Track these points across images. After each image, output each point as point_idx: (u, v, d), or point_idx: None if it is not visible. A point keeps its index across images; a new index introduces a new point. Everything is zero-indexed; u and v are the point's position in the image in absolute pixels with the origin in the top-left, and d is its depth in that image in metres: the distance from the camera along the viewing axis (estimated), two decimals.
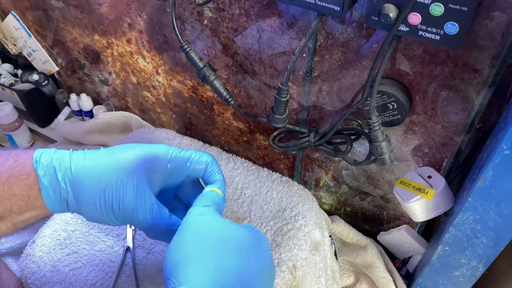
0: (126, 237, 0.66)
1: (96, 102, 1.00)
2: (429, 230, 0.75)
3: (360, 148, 0.67)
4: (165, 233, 0.46)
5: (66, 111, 1.03)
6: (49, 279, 0.61)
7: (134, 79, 0.87)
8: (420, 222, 0.72)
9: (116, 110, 0.98)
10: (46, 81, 0.98)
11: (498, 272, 0.60)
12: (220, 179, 0.50)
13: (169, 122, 0.91)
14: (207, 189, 0.48)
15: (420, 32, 0.44)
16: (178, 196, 0.54)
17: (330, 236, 0.75)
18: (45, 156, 0.44)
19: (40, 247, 0.64)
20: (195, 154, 0.49)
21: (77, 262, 0.63)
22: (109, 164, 0.44)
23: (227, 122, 0.80)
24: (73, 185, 0.43)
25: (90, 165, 0.44)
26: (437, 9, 0.41)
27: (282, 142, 0.70)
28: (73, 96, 0.98)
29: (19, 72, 1.04)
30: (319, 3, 0.47)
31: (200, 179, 0.52)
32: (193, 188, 0.53)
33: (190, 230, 0.42)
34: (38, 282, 0.62)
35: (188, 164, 0.49)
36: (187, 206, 0.53)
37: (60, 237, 0.65)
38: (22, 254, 0.66)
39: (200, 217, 0.44)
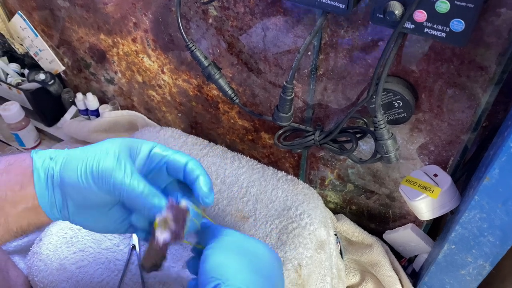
0: (132, 235, 0.66)
1: (102, 101, 1.00)
2: (435, 229, 0.74)
3: (366, 146, 0.67)
4: (141, 197, 0.43)
5: (72, 110, 1.03)
6: (56, 277, 0.62)
7: (139, 78, 0.87)
8: (426, 220, 0.72)
9: (122, 109, 0.98)
10: (52, 81, 0.99)
11: (505, 271, 0.60)
12: (201, 172, 0.47)
13: (174, 121, 0.91)
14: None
15: (426, 30, 0.43)
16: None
17: (335, 234, 0.75)
18: (44, 150, 0.46)
19: (47, 245, 0.65)
20: (177, 151, 0.49)
21: (83, 260, 0.63)
22: (96, 144, 0.46)
23: (232, 121, 0.80)
24: (62, 163, 0.44)
25: (78, 150, 0.46)
26: (443, 6, 0.41)
27: (287, 141, 0.70)
28: (79, 95, 0.99)
29: (26, 71, 1.05)
30: (324, 1, 0.47)
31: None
32: (179, 187, 0.51)
33: (227, 242, 0.45)
34: (45, 280, 0.62)
35: (169, 154, 0.48)
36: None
37: (67, 235, 0.66)
38: (29, 252, 0.66)
39: (231, 234, 0.46)
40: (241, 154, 0.79)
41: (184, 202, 0.44)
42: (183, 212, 0.43)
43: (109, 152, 0.44)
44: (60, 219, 0.46)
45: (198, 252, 0.48)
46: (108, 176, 0.43)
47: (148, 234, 0.49)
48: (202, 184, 0.46)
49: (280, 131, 0.69)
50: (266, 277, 0.44)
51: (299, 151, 0.71)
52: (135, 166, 0.47)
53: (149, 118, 0.95)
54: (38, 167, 0.44)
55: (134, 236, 0.66)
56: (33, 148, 1.03)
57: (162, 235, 0.42)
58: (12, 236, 0.44)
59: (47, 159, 0.45)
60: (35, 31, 0.94)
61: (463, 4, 0.40)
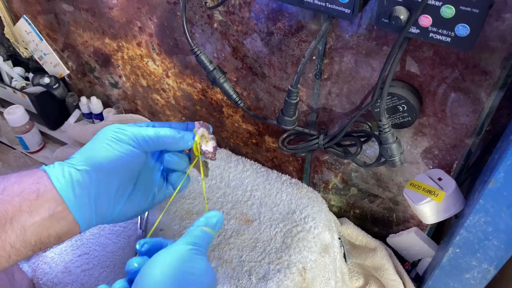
0: (136, 239, 0.66)
1: (106, 105, 1.01)
2: (439, 233, 0.75)
3: (370, 150, 0.67)
4: (177, 138, 0.51)
5: (76, 113, 1.04)
6: (60, 280, 0.62)
7: (144, 82, 0.87)
8: (430, 224, 0.72)
9: (126, 113, 0.98)
10: (57, 84, 0.99)
11: (509, 275, 0.60)
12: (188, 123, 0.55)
13: None
14: (196, 226, 0.47)
15: (431, 34, 0.44)
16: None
17: (339, 238, 0.75)
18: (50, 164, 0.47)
19: (52, 248, 0.65)
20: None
21: (88, 263, 0.63)
22: (97, 134, 0.50)
23: (236, 125, 0.81)
24: (78, 160, 0.46)
25: (84, 147, 0.49)
26: (448, 11, 0.41)
27: (292, 144, 0.70)
28: (83, 99, 0.99)
29: (30, 75, 1.05)
30: (329, 5, 0.47)
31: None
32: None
33: (161, 265, 0.41)
34: (50, 282, 0.62)
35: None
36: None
37: (72, 238, 0.66)
38: (34, 255, 0.66)
39: (175, 255, 0.42)
40: (245, 158, 0.79)
41: (200, 121, 0.54)
42: (207, 124, 0.54)
43: (122, 124, 0.49)
44: (92, 223, 0.46)
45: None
46: (139, 133, 0.48)
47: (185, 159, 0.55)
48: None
49: (284, 135, 0.70)
50: None
51: (303, 154, 0.71)
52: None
53: None
54: (55, 174, 0.44)
55: (139, 235, 0.66)
56: (37, 151, 1.03)
57: (209, 145, 0.53)
58: (30, 250, 0.42)
59: (58, 166, 0.45)
60: (40, 35, 0.94)
61: (468, 9, 0.40)
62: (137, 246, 0.46)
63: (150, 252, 0.45)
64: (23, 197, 0.41)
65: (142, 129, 0.49)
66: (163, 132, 0.50)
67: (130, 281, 0.43)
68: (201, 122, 0.54)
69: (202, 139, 0.52)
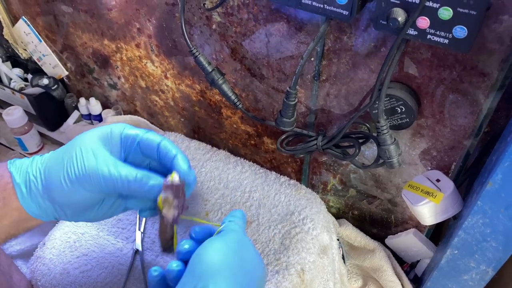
0: (135, 240, 0.66)
1: (105, 106, 1.01)
2: (438, 234, 0.75)
3: (368, 151, 0.67)
4: (137, 182, 0.44)
5: (75, 115, 1.04)
6: (59, 281, 0.62)
7: (142, 83, 0.87)
8: (429, 225, 0.72)
9: (124, 114, 0.98)
10: (55, 85, 0.99)
11: (507, 276, 0.60)
12: (177, 152, 0.47)
13: (177, 125, 0.92)
14: (231, 219, 0.48)
15: (429, 36, 0.44)
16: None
17: (337, 239, 0.75)
18: (19, 160, 0.46)
19: (50, 249, 0.65)
20: (148, 131, 0.49)
21: (87, 264, 0.63)
22: (68, 144, 0.46)
23: (235, 126, 0.81)
24: (41, 174, 0.45)
25: (52, 153, 0.47)
26: (446, 13, 0.41)
27: (290, 146, 0.70)
28: (82, 100, 0.99)
29: (29, 76, 1.05)
30: (327, 7, 0.48)
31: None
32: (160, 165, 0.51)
33: (232, 244, 0.43)
34: (49, 284, 0.62)
35: (140, 134, 0.48)
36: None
37: (70, 240, 0.66)
38: (32, 257, 0.66)
39: (240, 238, 0.44)
40: (243, 159, 0.79)
41: (176, 177, 0.45)
42: (180, 186, 0.45)
43: (85, 151, 0.44)
44: (58, 219, 0.48)
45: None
46: (95, 175, 0.43)
47: (150, 211, 0.50)
48: (181, 163, 0.47)
49: (283, 136, 0.70)
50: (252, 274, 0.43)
51: (301, 156, 0.71)
52: (113, 154, 0.47)
53: (152, 123, 0.95)
54: (19, 182, 0.44)
55: (138, 240, 0.66)
56: (36, 153, 1.03)
57: (169, 213, 0.45)
58: (2, 242, 0.45)
59: (24, 172, 0.45)
60: (39, 36, 0.94)
61: (466, 11, 0.40)
62: (192, 234, 0.46)
63: (200, 237, 0.46)
64: None
65: (101, 166, 0.43)
66: (125, 176, 0.44)
67: (181, 261, 0.44)
68: (173, 182, 0.45)
69: (165, 203, 0.45)
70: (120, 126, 0.48)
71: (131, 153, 0.48)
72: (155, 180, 0.45)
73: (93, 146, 0.44)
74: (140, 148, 0.48)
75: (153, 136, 0.48)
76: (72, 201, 0.45)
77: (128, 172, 0.44)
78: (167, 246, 0.46)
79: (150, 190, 0.45)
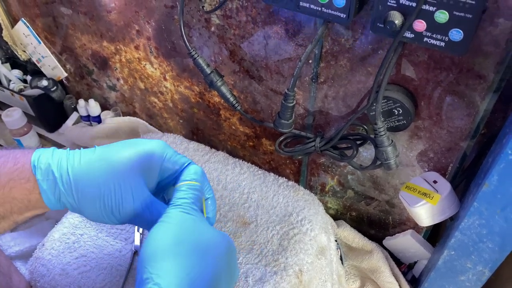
0: (134, 241, 0.66)
1: (104, 107, 1.01)
2: (435, 235, 0.75)
3: (366, 153, 0.68)
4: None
5: (74, 116, 1.04)
6: (58, 282, 0.62)
7: (141, 85, 0.88)
8: (426, 227, 0.72)
9: (123, 116, 0.99)
10: (55, 87, 1.00)
11: (504, 277, 0.60)
12: (209, 196, 0.50)
13: (176, 127, 0.92)
14: (180, 186, 0.47)
15: (425, 39, 0.44)
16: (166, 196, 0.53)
17: (335, 240, 0.76)
18: (43, 159, 0.44)
19: (49, 250, 0.65)
20: (188, 164, 0.49)
21: (85, 265, 0.63)
22: (105, 168, 0.44)
23: (233, 127, 0.81)
24: (73, 190, 0.44)
25: (86, 170, 0.44)
26: (442, 16, 0.42)
27: (288, 147, 0.70)
28: (81, 102, 0.99)
29: (28, 78, 1.05)
30: (325, 10, 0.48)
31: None
32: None
33: (173, 225, 0.42)
34: (48, 285, 0.62)
35: (179, 170, 0.48)
36: None
37: (69, 241, 0.66)
38: (31, 258, 0.67)
39: (185, 215, 0.43)
40: (242, 160, 0.79)
41: None
42: None
43: (125, 190, 0.44)
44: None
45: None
46: (130, 216, 0.45)
47: None
48: (209, 208, 0.50)
49: (281, 138, 0.70)
50: (213, 273, 0.41)
51: (300, 157, 0.71)
52: (150, 186, 0.47)
53: (151, 125, 0.95)
54: (46, 190, 0.43)
55: (136, 241, 0.66)
56: None
57: None
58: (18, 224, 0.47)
59: (51, 181, 0.43)
60: (38, 38, 0.95)
61: (462, 14, 0.41)
62: None
63: None
64: (15, 203, 0.44)
65: (138, 210, 0.45)
66: (150, 221, 0.45)
67: None
68: None
69: None
70: (160, 154, 0.48)
71: (164, 180, 0.49)
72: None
73: (133, 189, 0.44)
74: (175, 181, 0.49)
75: (189, 174, 0.48)
76: (103, 221, 0.46)
77: (155, 216, 0.45)
78: None
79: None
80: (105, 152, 0.46)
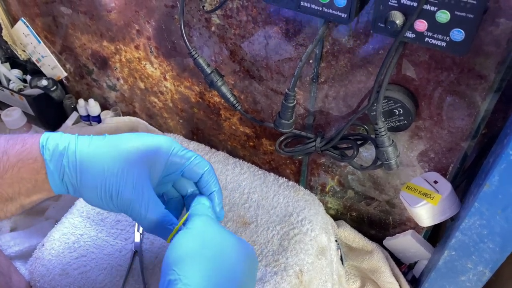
0: (134, 241, 0.66)
1: (103, 107, 1.01)
2: (435, 235, 0.75)
3: (366, 153, 0.68)
4: (158, 227, 0.47)
5: (74, 116, 1.04)
6: (58, 282, 0.62)
7: (141, 85, 0.88)
8: (426, 227, 0.72)
9: (123, 115, 0.98)
10: (54, 87, 0.99)
11: (504, 277, 0.60)
12: (216, 189, 0.52)
13: (176, 127, 0.92)
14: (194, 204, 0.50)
15: (426, 39, 0.44)
16: (175, 187, 0.55)
17: (336, 241, 0.76)
18: (51, 141, 0.45)
19: (49, 250, 0.65)
20: (195, 157, 0.51)
21: (85, 265, 0.63)
22: (112, 154, 0.46)
23: (233, 127, 0.81)
24: (77, 170, 0.45)
25: (93, 153, 0.46)
26: (443, 16, 0.42)
27: (289, 147, 0.70)
28: (81, 101, 0.99)
29: (28, 77, 1.05)
30: (326, 10, 0.48)
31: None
32: (189, 182, 0.54)
33: (196, 231, 0.45)
34: (48, 285, 0.62)
35: (186, 163, 0.50)
36: (183, 197, 0.54)
37: (69, 241, 0.66)
38: (31, 258, 0.66)
39: (205, 223, 0.46)
40: (242, 160, 0.79)
41: None
42: None
43: (128, 177, 0.45)
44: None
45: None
46: (127, 205, 0.46)
47: None
48: (216, 203, 0.51)
49: (282, 138, 0.70)
50: (234, 273, 0.43)
51: (300, 157, 0.71)
52: (154, 180, 0.49)
53: (151, 124, 0.95)
54: (52, 170, 0.45)
55: (136, 240, 0.66)
56: None
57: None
58: (24, 210, 0.48)
59: (58, 162, 0.45)
60: (38, 37, 0.94)
61: (463, 14, 0.41)
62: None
63: None
64: (23, 184, 0.45)
65: (135, 202, 0.46)
66: (150, 219, 0.47)
67: None
68: None
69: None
70: (166, 149, 0.49)
71: (170, 175, 0.51)
72: (172, 227, 0.47)
73: (136, 177, 0.46)
74: (182, 173, 0.51)
75: (197, 168, 0.50)
76: (99, 205, 0.47)
77: (155, 216, 0.46)
78: None
79: (165, 233, 0.47)
80: (114, 139, 0.48)
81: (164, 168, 0.49)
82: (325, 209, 0.76)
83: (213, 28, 0.67)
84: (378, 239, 0.79)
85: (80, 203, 0.71)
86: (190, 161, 0.50)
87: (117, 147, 0.47)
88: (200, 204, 0.49)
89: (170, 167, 0.50)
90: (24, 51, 1.00)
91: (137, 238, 0.66)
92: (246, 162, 0.79)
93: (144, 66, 0.83)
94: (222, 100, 0.77)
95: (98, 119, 0.99)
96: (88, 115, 1.00)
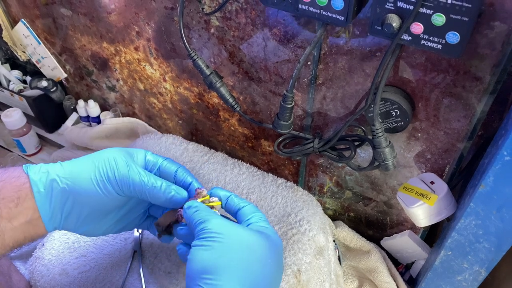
0: (133, 240, 0.67)
1: (103, 108, 1.01)
2: (432, 236, 0.75)
3: (364, 154, 0.68)
4: (165, 191, 0.49)
5: (73, 117, 1.04)
6: (58, 282, 0.62)
7: (141, 86, 0.88)
8: (423, 227, 0.73)
9: (123, 116, 0.99)
10: (54, 88, 1.00)
11: (500, 277, 0.61)
12: (192, 181, 0.52)
13: (175, 128, 0.92)
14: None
15: (422, 41, 0.45)
16: (150, 212, 0.59)
17: (334, 241, 0.76)
18: (33, 166, 0.47)
19: (49, 250, 0.66)
20: (168, 158, 0.54)
21: (85, 265, 0.64)
22: (97, 154, 0.49)
23: (232, 128, 0.82)
24: (64, 172, 0.46)
25: (76, 161, 0.48)
26: (439, 19, 0.42)
27: (287, 148, 0.71)
28: (80, 102, 1.00)
29: (28, 78, 1.06)
30: (323, 13, 0.48)
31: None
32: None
33: (219, 237, 0.42)
34: (47, 285, 0.63)
35: (160, 160, 0.53)
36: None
37: (69, 241, 0.67)
38: (31, 257, 0.67)
39: (224, 226, 0.43)
40: (241, 161, 0.80)
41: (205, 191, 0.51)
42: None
43: (117, 160, 0.48)
44: (58, 229, 0.49)
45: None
46: (126, 180, 0.47)
47: (167, 237, 0.54)
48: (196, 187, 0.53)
49: (280, 139, 0.71)
50: (263, 272, 0.42)
51: (298, 158, 0.72)
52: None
53: (150, 125, 0.96)
54: (36, 181, 0.45)
55: (136, 241, 0.66)
56: (34, 154, 1.03)
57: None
58: (8, 250, 0.45)
59: (42, 173, 0.46)
60: (38, 38, 0.95)
61: (458, 17, 0.41)
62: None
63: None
64: (4, 204, 0.44)
65: (133, 173, 0.47)
66: (151, 184, 0.48)
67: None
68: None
69: (199, 195, 0.51)
70: (142, 151, 0.53)
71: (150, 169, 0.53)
72: (177, 190, 0.49)
73: (125, 157, 0.49)
74: (159, 173, 0.53)
75: (170, 164, 0.53)
76: (95, 199, 0.47)
77: (156, 180, 0.48)
78: (164, 225, 0.52)
79: (172, 198, 0.49)
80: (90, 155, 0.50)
81: (144, 166, 0.52)
82: (323, 209, 0.77)
83: (212, 30, 0.68)
84: (375, 240, 0.79)
85: None
86: (164, 159, 0.53)
87: (99, 151, 0.50)
88: (261, 221, 0.49)
89: (148, 164, 0.52)
90: (24, 52, 1.01)
91: (137, 238, 0.67)
92: (245, 163, 0.80)
93: (143, 67, 0.84)
94: (221, 101, 0.77)
95: (97, 120, 1.00)
96: (88, 116, 1.01)
